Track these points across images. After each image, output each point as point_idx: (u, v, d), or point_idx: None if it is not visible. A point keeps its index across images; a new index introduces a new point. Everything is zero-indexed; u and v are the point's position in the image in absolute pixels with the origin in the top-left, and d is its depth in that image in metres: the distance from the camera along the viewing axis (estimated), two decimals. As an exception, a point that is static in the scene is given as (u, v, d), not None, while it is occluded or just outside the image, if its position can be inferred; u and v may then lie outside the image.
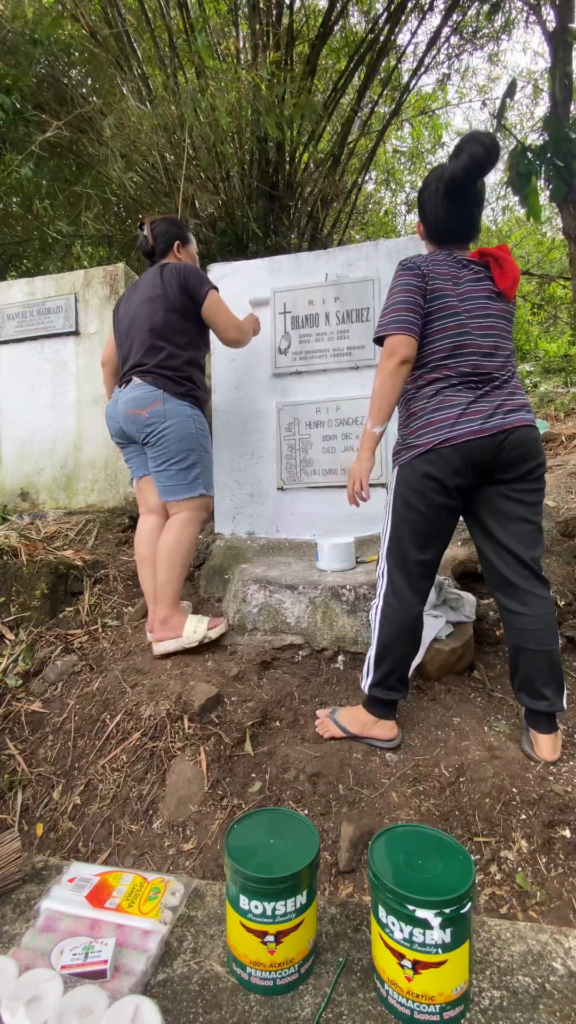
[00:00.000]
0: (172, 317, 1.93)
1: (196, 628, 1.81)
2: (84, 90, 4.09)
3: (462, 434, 1.37)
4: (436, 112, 7.48)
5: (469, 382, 1.43)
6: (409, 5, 4.28)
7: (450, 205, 1.46)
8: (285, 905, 0.85)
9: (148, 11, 3.74)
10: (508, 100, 3.84)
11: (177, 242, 2.09)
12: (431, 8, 4.62)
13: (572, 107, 3.60)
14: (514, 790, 1.26)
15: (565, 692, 1.41)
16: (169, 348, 1.92)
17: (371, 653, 1.47)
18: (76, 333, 2.85)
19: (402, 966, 0.80)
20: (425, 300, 1.45)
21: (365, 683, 1.47)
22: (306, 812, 1.29)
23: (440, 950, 0.79)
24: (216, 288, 1.99)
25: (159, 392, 1.86)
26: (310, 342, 2.55)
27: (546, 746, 1.36)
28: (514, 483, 1.40)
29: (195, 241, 2.20)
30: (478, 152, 1.35)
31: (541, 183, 3.49)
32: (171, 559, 1.84)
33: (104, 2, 3.54)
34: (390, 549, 1.47)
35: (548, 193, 3.55)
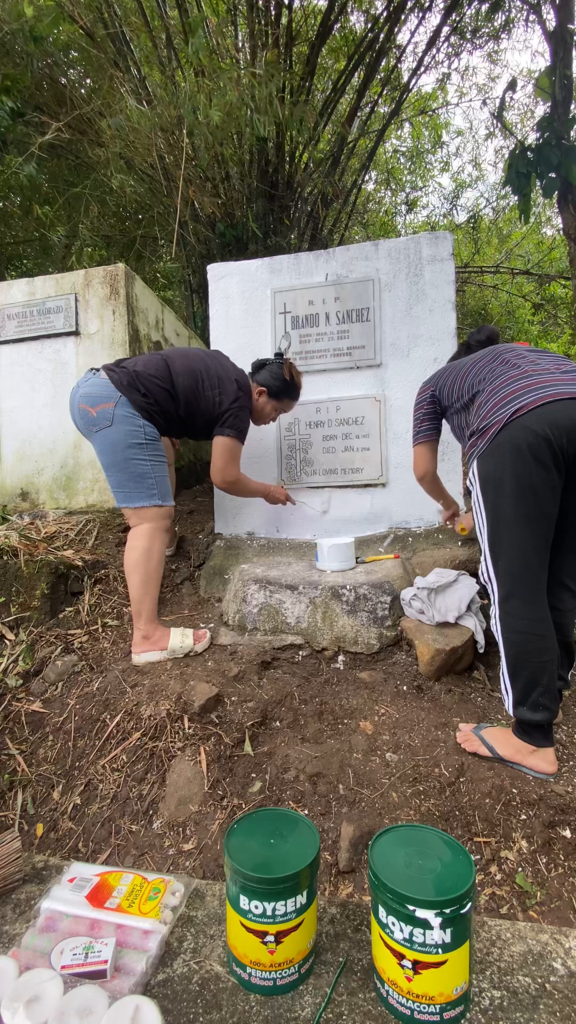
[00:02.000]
0: (196, 394, 1.94)
1: (182, 642, 1.81)
2: (83, 91, 4.09)
3: (538, 399, 1.26)
4: (436, 111, 7.47)
5: (513, 361, 1.44)
6: (409, 4, 4.28)
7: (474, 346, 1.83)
8: (285, 905, 0.85)
9: (146, 11, 3.74)
10: (509, 97, 3.83)
11: (264, 389, 2.15)
12: (431, 7, 4.62)
13: (572, 107, 3.60)
14: (514, 790, 1.26)
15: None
16: (164, 388, 1.89)
17: (503, 669, 1.33)
18: (76, 333, 2.85)
19: (402, 966, 0.80)
20: (437, 395, 1.76)
21: (508, 705, 1.32)
22: (306, 812, 1.29)
23: (440, 950, 0.79)
24: (239, 441, 2.02)
25: (116, 394, 1.80)
26: (310, 342, 2.56)
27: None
28: None
29: (287, 403, 2.24)
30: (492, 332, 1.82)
31: (539, 183, 3.49)
32: (144, 573, 1.80)
33: (100, 2, 3.54)
34: (493, 549, 1.33)
35: (543, 192, 3.56)
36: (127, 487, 1.82)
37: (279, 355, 2.21)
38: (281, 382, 2.15)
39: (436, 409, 1.79)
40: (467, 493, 1.49)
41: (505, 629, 1.31)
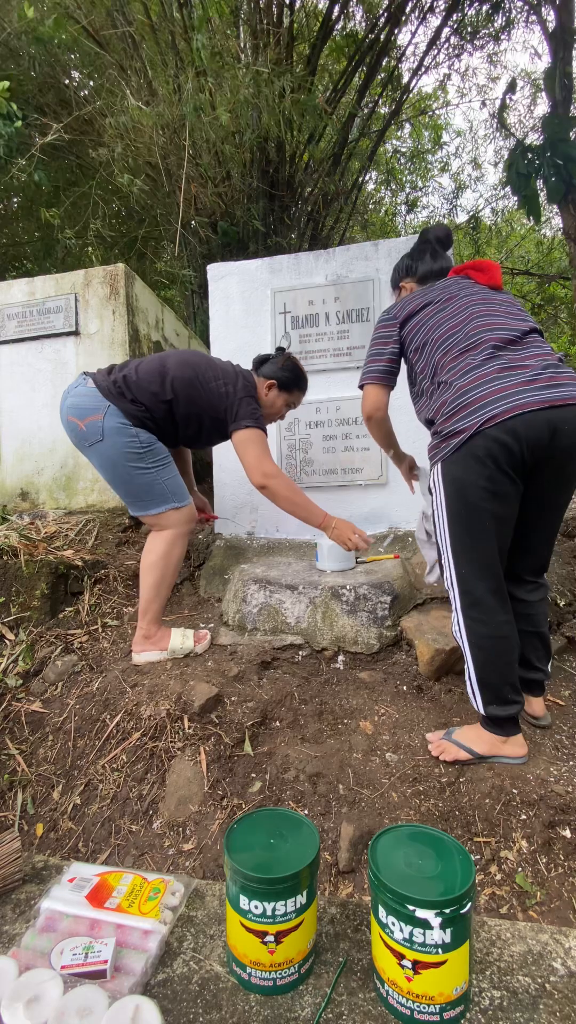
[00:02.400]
0: (190, 392, 1.77)
1: (183, 643, 1.80)
2: (86, 92, 4.09)
3: (506, 410, 1.22)
4: (436, 112, 7.48)
5: (485, 345, 1.33)
6: (409, 5, 4.28)
7: (440, 253, 1.74)
8: (285, 905, 0.85)
9: (152, 14, 3.74)
10: (509, 98, 3.84)
11: (273, 382, 1.98)
12: (431, 9, 4.62)
13: (572, 107, 3.60)
14: (514, 790, 1.26)
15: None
16: (155, 397, 1.74)
17: (470, 672, 1.34)
18: (76, 333, 2.85)
19: (402, 966, 0.80)
20: (401, 334, 1.58)
21: (477, 705, 1.34)
22: (306, 812, 1.29)
23: (440, 950, 0.79)
24: (262, 429, 1.81)
25: (105, 404, 1.69)
26: (310, 342, 2.56)
27: (538, 705, 1.51)
28: (561, 468, 1.29)
29: (297, 395, 2.08)
30: (441, 232, 1.76)
31: (539, 183, 3.49)
32: (159, 576, 1.76)
33: (110, 5, 3.55)
34: (456, 555, 1.32)
35: (545, 193, 3.56)
36: (138, 497, 1.74)
37: (280, 349, 2.12)
38: (290, 372, 2.01)
39: (398, 354, 1.60)
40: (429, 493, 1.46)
41: (472, 635, 1.32)
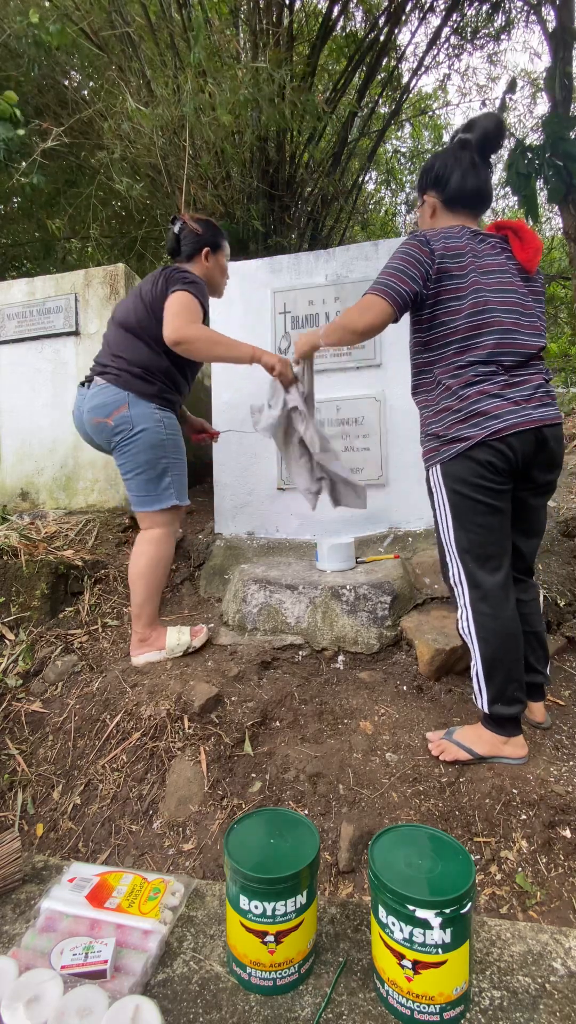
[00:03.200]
0: (149, 318, 1.75)
1: (179, 640, 1.80)
2: (85, 92, 4.09)
3: (508, 426, 1.29)
4: (436, 112, 7.48)
5: (495, 363, 1.34)
6: (409, 5, 4.28)
7: (480, 166, 1.44)
8: (285, 905, 0.85)
9: (151, 15, 3.74)
10: (509, 98, 3.84)
11: (207, 248, 1.88)
12: (431, 9, 4.62)
13: (572, 107, 3.60)
14: (514, 791, 1.26)
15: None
16: (140, 344, 1.75)
17: (477, 670, 1.35)
18: (76, 333, 2.85)
19: (402, 966, 0.80)
20: (431, 280, 1.37)
21: (481, 702, 1.35)
22: (306, 812, 1.29)
23: (440, 950, 0.79)
24: (195, 295, 1.71)
25: (124, 395, 1.72)
26: (310, 342, 2.55)
27: (538, 711, 1.49)
28: (543, 477, 1.38)
29: (228, 247, 1.99)
30: (491, 124, 1.43)
31: (539, 183, 3.49)
32: (148, 580, 1.77)
33: (107, 5, 3.55)
34: (462, 551, 1.35)
35: (545, 193, 3.56)
36: (147, 490, 1.76)
37: (174, 218, 1.93)
38: (205, 227, 1.88)
39: (420, 291, 1.38)
40: (428, 494, 1.46)
41: (481, 630, 1.34)
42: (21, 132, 3.15)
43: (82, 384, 1.84)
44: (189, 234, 1.88)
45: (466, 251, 1.38)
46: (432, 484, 1.42)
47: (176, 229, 1.90)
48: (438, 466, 1.39)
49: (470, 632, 1.36)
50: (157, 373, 1.77)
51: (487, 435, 1.30)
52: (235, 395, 2.62)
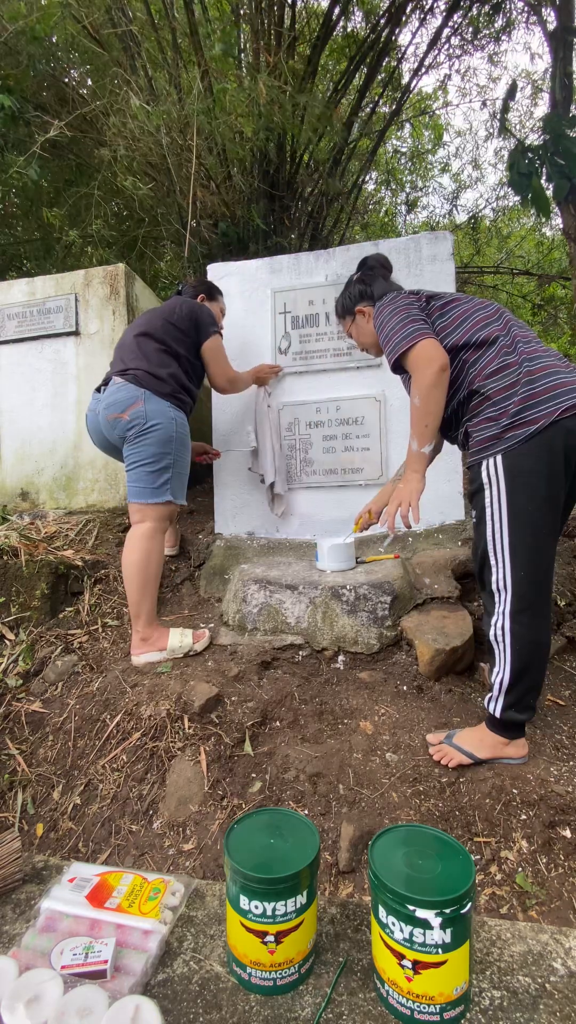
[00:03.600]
0: (171, 330, 1.95)
1: (181, 642, 1.81)
2: (85, 90, 4.09)
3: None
4: (437, 112, 7.48)
5: (532, 339, 1.32)
6: (410, 6, 4.28)
7: (387, 279, 1.72)
8: (285, 905, 0.85)
9: (153, 12, 3.74)
10: (510, 103, 3.84)
11: (202, 294, 2.23)
12: (432, 9, 4.62)
13: (572, 107, 3.60)
14: (514, 791, 1.26)
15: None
16: (159, 348, 1.91)
17: (502, 678, 1.30)
18: (76, 333, 2.85)
19: (402, 966, 0.80)
20: (432, 314, 1.43)
21: (495, 707, 1.32)
22: (306, 812, 1.29)
23: (440, 950, 0.79)
24: (221, 335, 2.08)
25: (140, 391, 1.81)
26: (310, 342, 2.56)
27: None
28: None
29: (223, 302, 2.37)
30: (378, 257, 1.74)
31: (543, 182, 3.49)
32: (143, 576, 1.80)
33: (109, 3, 3.55)
34: (516, 556, 1.24)
35: (550, 191, 3.55)
36: (146, 483, 1.82)
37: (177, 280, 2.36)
38: (199, 282, 2.30)
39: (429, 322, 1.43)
40: (477, 490, 1.30)
41: (518, 641, 1.26)
42: (6, 101, 3.15)
43: (97, 390, 1.93)
44: (195, 284, 2.29)
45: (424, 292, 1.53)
46: (486, 478, 1.27)
47: (182, 287, 2.30)
48: (499, 456, 1.25)
49: (503, 641, 1.28)
50: (170, 372, 1.90)
51: (564, 410, 1.17)
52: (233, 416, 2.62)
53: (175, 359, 1.95)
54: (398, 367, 1.41)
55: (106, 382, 1.90)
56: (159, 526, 1.84)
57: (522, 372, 1.26)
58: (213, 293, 2.30)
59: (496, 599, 1.30)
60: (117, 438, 1.86)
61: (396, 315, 1.41)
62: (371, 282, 1.67)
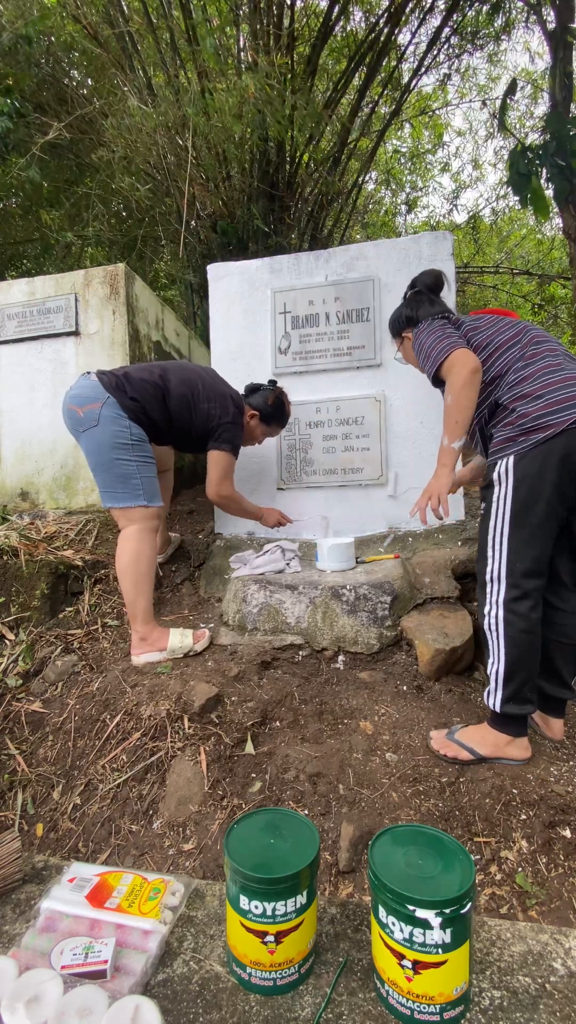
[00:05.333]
0: (188, 395, 1.95)
1: (182, 642, 1.80)
2: (85, 91, 4.09)
3: None
4: (436, 112, 7.47)
5: (559, 354, 1.41)
6: (410, 6, 4.28)
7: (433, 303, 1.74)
8: (285, 905, 0.85)
9: (151, 12, 3.74)
10: (509, 100, 3.84)
11: (256, 413, 2.18)
12: (431, 9, 4.62)
13: (572, 107, 3.60)
14: (514, 791, 1.26)
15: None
16: (152, 390, 1.89)
17: (497, 669, 1.35)
18: (76, 333, 2.85)
19: (402, 966, 0.80)
20: (465, 334, 1.53)
21: (494, 701, 1.36)
22: (306, 812, 1.29)
23: (440, 950, 0.79)
24: (232, 455, 2.04)
25: (105, 395, 1.81)
26: (310, 342, 2.56)
27: (558, 728, 1.47)
28: None
29: (275, 429, 2.29)
30: (428, 277, 1.78)
31: (543, 182, 3.49)
32: (134, 575, 1.79)
33: (106, 2, 3.55)
34: (513, 550, 1.33)
35: (551, 192, 3.54)
36: (113, 487, 1.82)
37: (272, 382, 2.27)
38: (274, 408, 2.21)
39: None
40: (488, 486, 1.40)
41: (510, 629, 1.33)
42: (4, 105, 3.14)
43: (86, 373, 1.92)
44: (266, 402, 2.20)
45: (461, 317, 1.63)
46: (497, 476, 1.37)
47: (269, 383, 2.27)
48: (511, 457, 1.34)
49: (497, 630, 1.34)
50: (140, 405, 1.87)
51: (572, 421, 1.27)
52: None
53: (166, 411, 1.94)
54: (437, 379, 1.51)
55: (89, 373, 1.90)
56: (146, 526, 1.83)
57: (542, 383, 1.35)
58: (270, 421, 2.23)
59: (489, 589, 1.37)
60: (70, 428, 1.87)
61: (432, 334, 1.54)
62: (416, 307, 1.72)
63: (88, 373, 1.90)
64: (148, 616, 1.82)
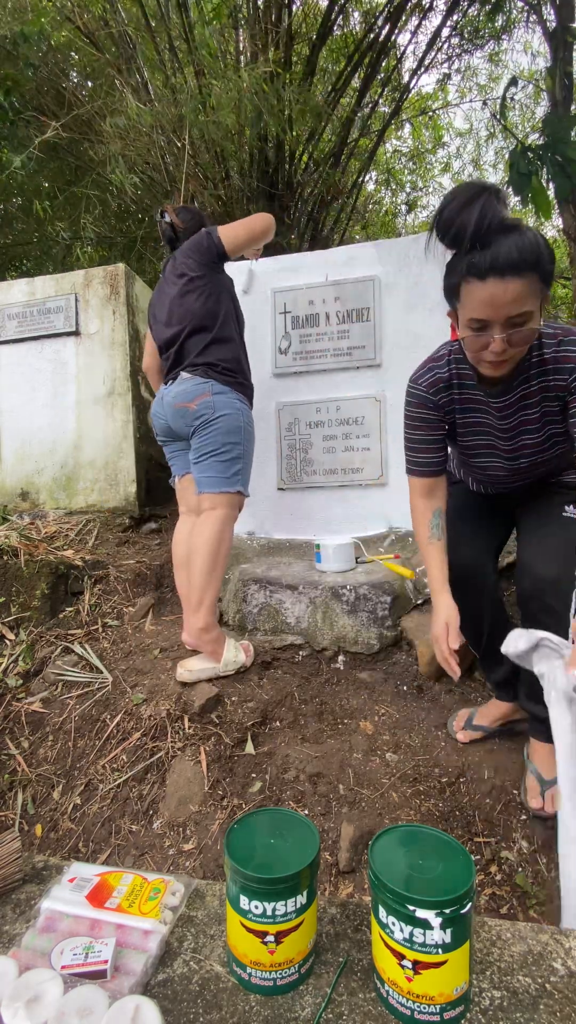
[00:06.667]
0: (201, 300, 1.83)
1: (235, 657, 1.70)
2: (85, 92, 4.09)
3: None
4: (436, 112, 7.47)
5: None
6: (409, 5, 4.28)
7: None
8: (285, 905, 0.85)
9: (148, 15, 3.74)
10: (509, 97, 3.84)
11: (203, 229, 1.98)
12: (431, 8, 4.62)
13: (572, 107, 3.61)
14: (514, 791, 1.26)
15: None
16: (210, 337, 1.82)
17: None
18: (76, 333, 2.85)
19: (402, 966, 0.80)
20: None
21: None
22: (306, 812, 1.29)
23: (440, 950, 0.79)
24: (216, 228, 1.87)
25: (208, 383, 1.76)
26: (310, 342, 2.55)
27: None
28: None
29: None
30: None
31: (544, 182, 3.49)
32: (213, 557, 1.69)
33: (104, 5, 3.55)
34: None
35: (552, 191, 3.54)
36: (217, 471, 1.74)
37: (162, 212, 2.04)
38: (200, 217, 2.05)
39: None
40: None
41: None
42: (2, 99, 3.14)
43: (164, 383, 1.88)
44: (187, 220, 1.99)
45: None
46: None
47: (168, 219, 2.00)
48: None
49: None
50: (230, 361, 1.83)
51: None
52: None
53: (224, 332, 1.85)
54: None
55: (173, 377, 1.86)
56: (231, 514, 1.77)
57: None
58: (207, 224, 2.02)
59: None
60: (183, 427, 1.80)
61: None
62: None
63: (166, 383, 1.86)
64: (213, 606, 1.71)
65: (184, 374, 1.81)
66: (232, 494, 1.75)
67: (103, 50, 3.65)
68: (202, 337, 1.82)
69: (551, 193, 3.50)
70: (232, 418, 1.76)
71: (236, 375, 1.83)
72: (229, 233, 1.87)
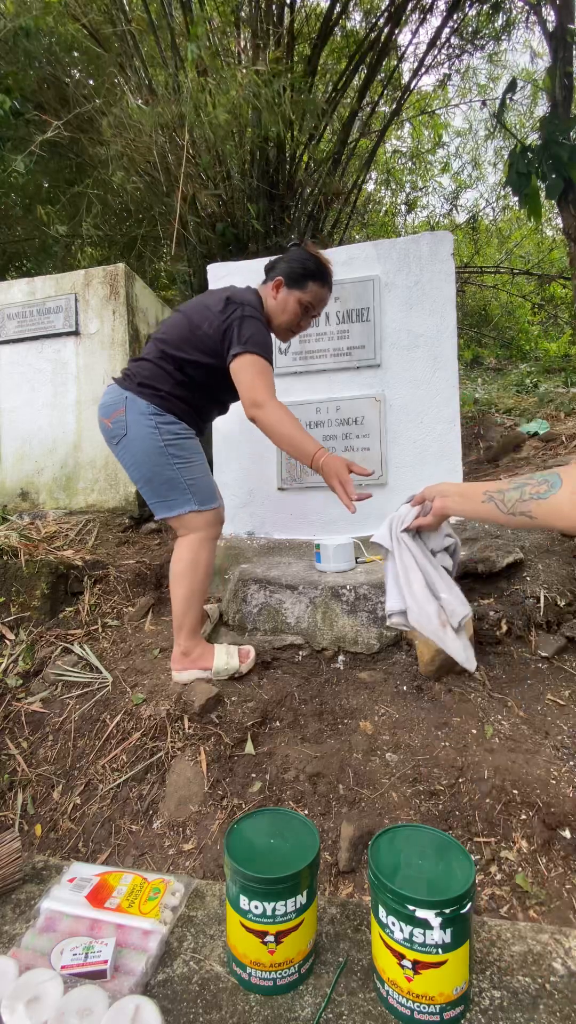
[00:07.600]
0: (202, 331, 1.62)
1: (228, 663, 1.66)
2: (86, 91, 4.09)
3: None
4: (436, 112, 7.48)
5: None
6: (410, 6, 4.28)
7: None
8: (285, 905, 0.85)
9: (152, 13, 3.75)
10: (508, 99, 3.84)
11: (281, 278, 1.71)
12: (432, 9, 4.62)
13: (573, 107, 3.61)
14: (514, 791, 1.26)
15: None
16: (166, 349, 1.63)
17: None
18: (76, 333, 2.86)
19: (402, 966, 0.80)
20: None
21: None
22: (306, 812, 1.29)
23: (440, 950, 0.79)
24: (260, 356, 1.58)
25: (122, 397, 1.59)
26: (310, 342, 2.55)
27: None
28: None
29: (315, 290, 1.73)
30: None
31: (539, 183, 3.50)
32: (190, 585, 1.64)
33: (107, 2, 3.55)
34: None
35: (544, 190, 3.55)
36: (160, 495, 1.62)
37: (295, 244, 1.80)
38: (298, 263, 1.70)
39: None
40: None
41: None
42: (5, 104, 3.15)
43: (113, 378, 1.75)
44: (282, 259, 1.76)
45: None
46: None
47: (290, 246, 1.79)
48: None
49: None
50: (156, 388, 1.62)
51: None
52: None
53: (191, 360, 1.63)
54: None
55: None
56: (203, 534, 1.65)
57: None
58: (299, 279, 1.70)
59: None
60: (108, 444, 1.69)
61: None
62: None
63: (112, 381, 1.71)
64: (194, 630, 1.68)
65: (109, 381, 1.67)
66: (185, 516, 1.62)
67: (106, 47, 3.65)
68: (158, 345, 1.65)
69: (542, 195, 3.51)
70: (148, 437, 1.56)
71: (160, 394, 1.60)
72: (242, 378, 1.56)
